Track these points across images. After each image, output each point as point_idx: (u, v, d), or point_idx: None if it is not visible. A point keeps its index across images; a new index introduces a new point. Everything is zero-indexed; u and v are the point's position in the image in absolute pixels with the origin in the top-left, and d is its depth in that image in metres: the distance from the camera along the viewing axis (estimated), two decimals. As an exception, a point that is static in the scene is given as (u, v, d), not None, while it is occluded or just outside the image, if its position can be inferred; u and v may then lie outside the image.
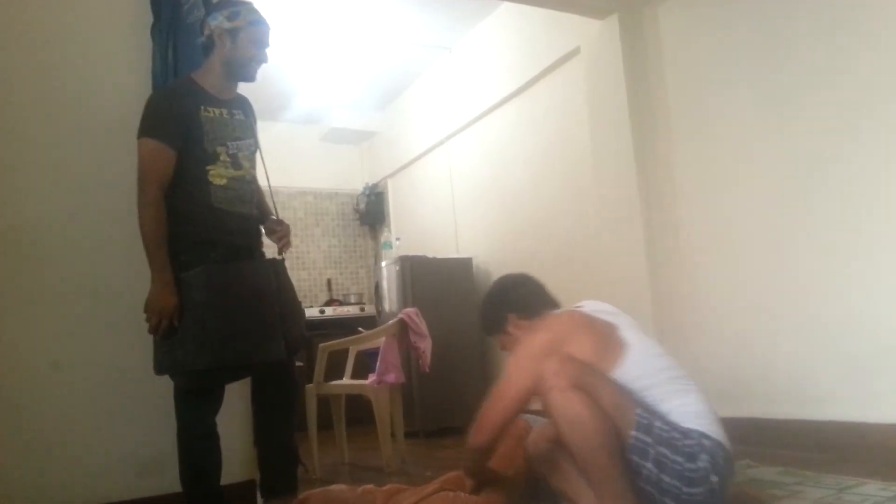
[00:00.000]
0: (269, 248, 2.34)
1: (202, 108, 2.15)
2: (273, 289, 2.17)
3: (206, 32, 2.18)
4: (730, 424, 2.45)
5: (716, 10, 3.27)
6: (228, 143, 2.18)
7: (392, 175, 6.42)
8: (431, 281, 4.73)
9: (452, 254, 5.20)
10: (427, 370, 3.65)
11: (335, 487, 2.19)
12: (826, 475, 2.22)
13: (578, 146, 4.00)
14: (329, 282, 6.50)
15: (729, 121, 3.20)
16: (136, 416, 2.11)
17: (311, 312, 5.87)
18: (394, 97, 6.17)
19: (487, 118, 5.00)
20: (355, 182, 6.71)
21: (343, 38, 4.93)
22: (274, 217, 2.41)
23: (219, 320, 2.01)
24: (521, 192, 4.61)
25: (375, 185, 6.60)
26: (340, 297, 6.38)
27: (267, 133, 6.16)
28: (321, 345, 3.70)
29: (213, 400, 2.17)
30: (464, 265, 4.96)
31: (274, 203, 2.41)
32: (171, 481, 2.17)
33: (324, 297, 6.41)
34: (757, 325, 3.06)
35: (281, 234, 2.34)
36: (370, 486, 2.14)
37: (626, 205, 3.57)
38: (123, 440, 2.06)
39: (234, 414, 2.58)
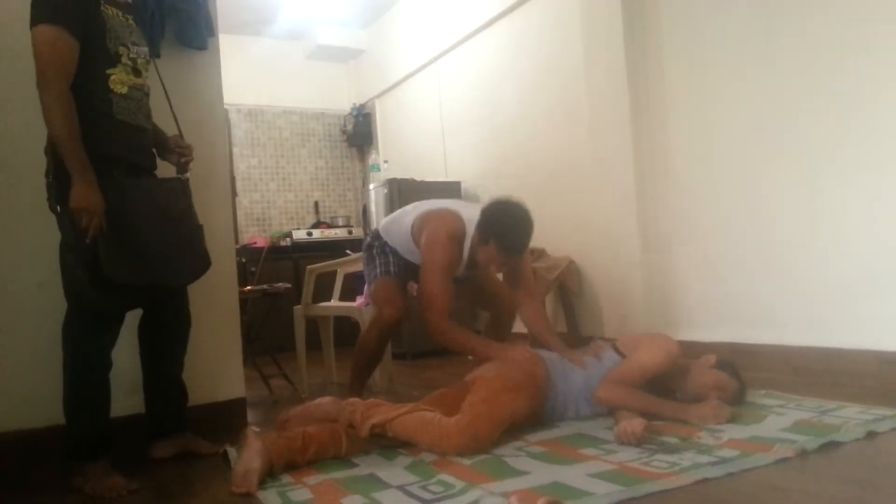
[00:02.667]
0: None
1: (101, 2, 1.95)
2: (183, 208, 2.11)
3: None
4: (707, 348, 2.53)
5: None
6: (130, 46, 2.01)
7: (379, 96, 6.28)
8: (419, 204, 4.70)
9: (441, 177, 5.16)
10: (415, 293, 3.68)
11: (317, 401, 2.21)
12: (807, 398, 2.29)
13: (571, 68, 3.91)
14: (316, 204, 6.46)
15: (722, 44, 3.13)
16: (122, 334, 2.12)
17: (299, 234, 5.87)
18: (381, 12, 5.96)
19: (478, 37, 4.85)
20: (342, 102, 6.56)
21: (329, -52, 4.70)
22: (174, 135, 2.23)
23: (137, 236, 1.93)
24: (512, 115, 4.54)
25: (363, 106, 6.46)
26: (328, 220, 6.36)
27: (251, 49, 6.04)
28: (309, 267, 3.72)
29: (116, 329, 2.06)
30: (452, 189, 4.93)
31: (176, 120, 2.22)
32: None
33: (311, 220, 6.38)
34: (739, 251, 3.09)
35: (184, 151, 2.19)
36: (354, 399, 2.19)
37: (617, 130, 3.52)
38: (117, 357, 2.08)
39: (223, 332, 2.64)
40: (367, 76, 6.45)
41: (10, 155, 2.21)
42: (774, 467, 1.63)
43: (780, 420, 2.03)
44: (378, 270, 2.77)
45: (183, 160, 2.19)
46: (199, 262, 2.15)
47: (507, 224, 2.42)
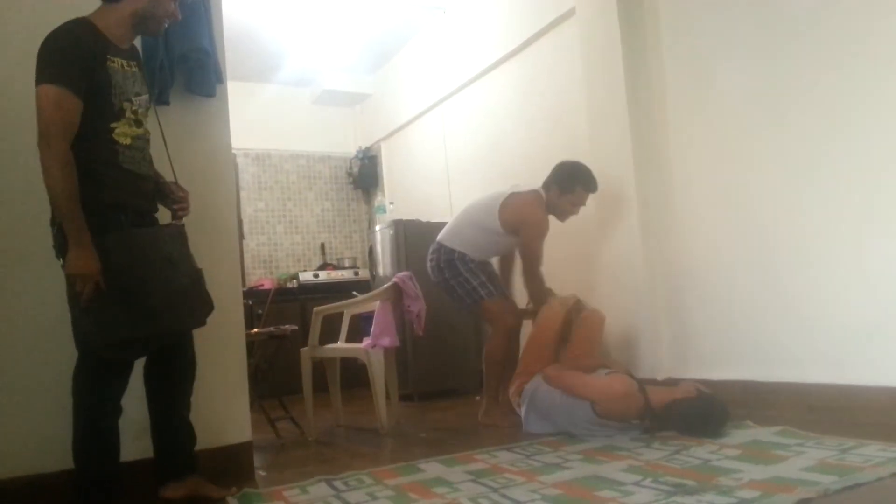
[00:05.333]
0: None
1: (108, 57, 1.97)
2: (184, 253, 2.11)
3: None
4: (720, 387, 2.49)
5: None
6: (133, 99, 2.04)
7: (385, 138, 6.35)
8: (425, 245, 4.68)
9: (446, 218, 5.16)
10: (421, 333, 3.67)
11: None
12: (826, 436, 2.24)
13: (574, 109, 3.95)
14: (323, 246, 6.48)
15: (725, 84, 3.16)
16: (136, 378, 2.11)
17: (306, 276, 5.87)
18: (387, 59, 6.07)
19: (482, 80, 4.93)
20: (348, 145, 6.64)
21: (335, -4, 4.82)
22: (171, 182, 2.23)
23: (144, 287, 1.94)
24: (516, 156, 4.57)
25: (369, 149, 6.54)
26: (334, 261, 6.37)
27: (259, 95, 6.14)
28: (315, 308, 3.71)
29: (126, 376, 2.07)
30: (458, 229, 4.93)
31: (172, 166, 2.22)
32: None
33: (318, 261, 6.39)
34: (751, 288, 3.06)
35: (181, 198, 2.20)
36: None
37: (621, 169, 3.53)
38: (124, 402, 2.07)
39: (231, 375, 2.61)
40: (372, 120, 6.54)
41: (35, 189, 2.20)
42: (796, 509, 1.59)
43: (801, 460, 1.98)
44: (480, 293, 3.32)
45: (179, 212, 2.19)
46: (204, 306, 2.15)
47: (583, 169, 3.32)
